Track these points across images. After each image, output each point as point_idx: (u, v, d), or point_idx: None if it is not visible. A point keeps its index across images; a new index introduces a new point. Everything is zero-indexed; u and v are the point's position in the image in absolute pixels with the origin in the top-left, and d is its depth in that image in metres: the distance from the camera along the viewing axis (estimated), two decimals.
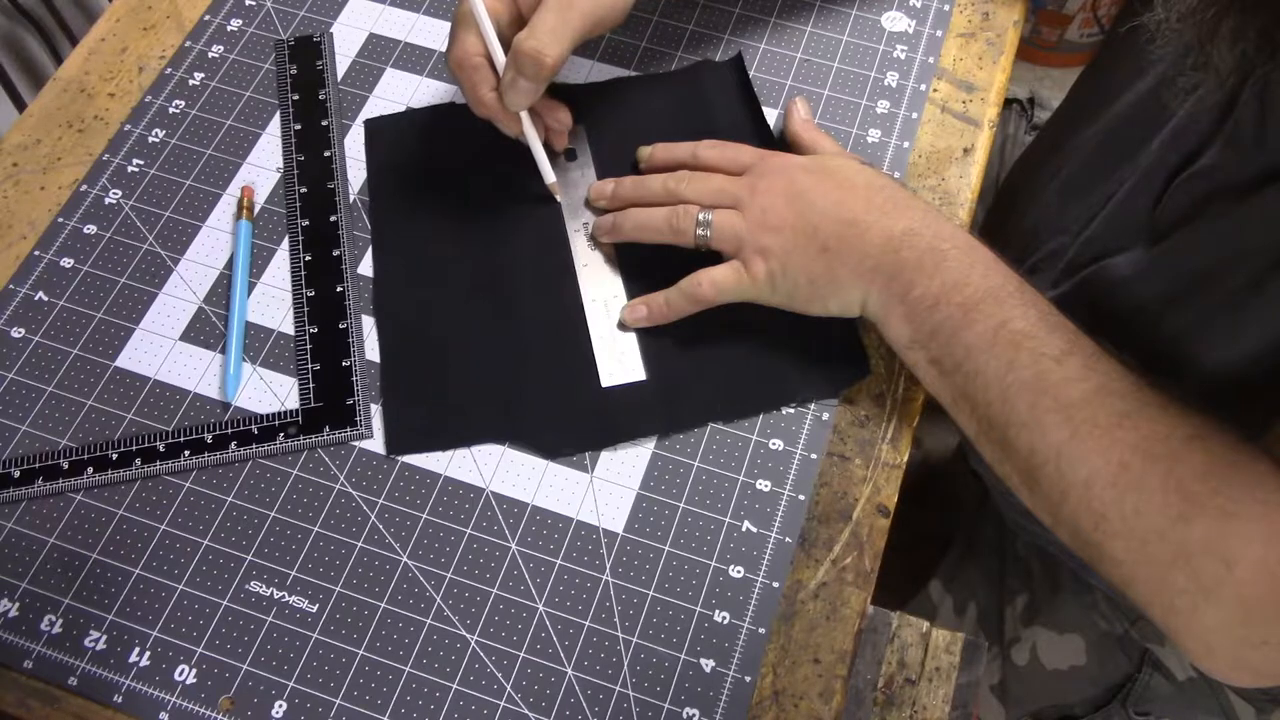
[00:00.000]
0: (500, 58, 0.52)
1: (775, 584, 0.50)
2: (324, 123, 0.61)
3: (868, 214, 0.49)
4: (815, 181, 0.51)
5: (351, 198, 0.60)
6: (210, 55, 0.64)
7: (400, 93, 0.63)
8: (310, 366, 0.54)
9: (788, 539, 0.51)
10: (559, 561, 0.50)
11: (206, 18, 0.66)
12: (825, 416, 0.53)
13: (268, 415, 0.53)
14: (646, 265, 0.55)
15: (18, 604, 0.49)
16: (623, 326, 0.54)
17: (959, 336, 0.46)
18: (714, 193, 0.52)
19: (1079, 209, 0.59)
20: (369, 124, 0.61)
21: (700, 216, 0.51)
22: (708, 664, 0.48)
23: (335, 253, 0.57)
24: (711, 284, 0.52)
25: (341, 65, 0.64)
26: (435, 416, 0.53)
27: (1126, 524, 0.42)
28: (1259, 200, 0.44)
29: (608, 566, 0.50)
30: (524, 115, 0.53)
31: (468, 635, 0.49)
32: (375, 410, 0.54)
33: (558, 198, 0.56)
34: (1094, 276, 0.54)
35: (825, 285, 0.50)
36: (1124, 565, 0.43)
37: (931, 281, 0.47)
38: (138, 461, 0.52)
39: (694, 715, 0.47)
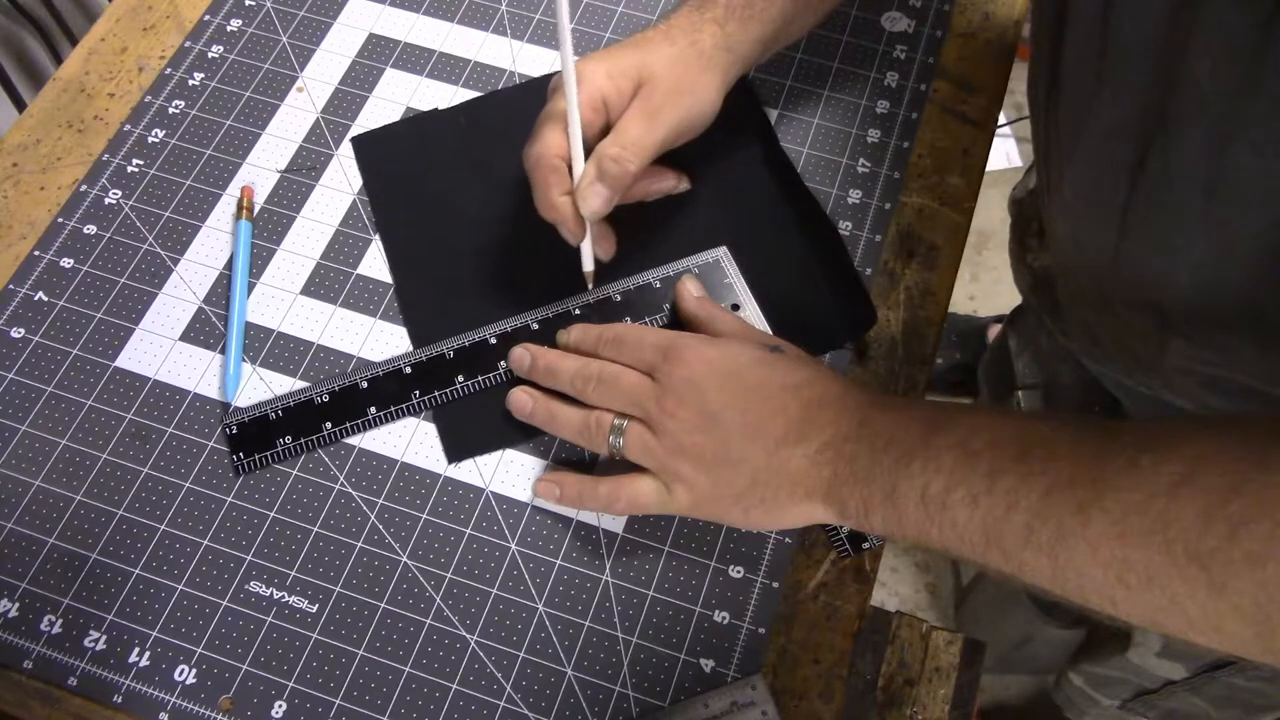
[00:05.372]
0: (582, 162, 0.50)
1: (775, 584, 0.50)
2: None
3: (787, 434, 0.46)
4: (728, 398, 0.47)
5: (351, 198, 0.60)
6: (210, 55, 0.64)
7: (400, 93, 0.63)
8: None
9: (787, 539, 0.51)
10: (559, 561, 0.50)
11: (206, 18, 0.66)
12: None
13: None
14: (643, 264, 0.56)
15: (18, 604, 0.49)
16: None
17: (901, 528, 0.44)
18: (621, 402, 0.49)
19: None
20: (356, 141, 0.61)
21: (614, 423, 0.49)
22: (708, 664, 0.48)
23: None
24: (630, 503, 0.49)
25: (341, 65, 0.64)
26: (487, 420, 0.53)
27: (1171, 620, 0.37)
28: None
29: (608, 566, 0.50)
30: (589, 224, 0.52)
31: (468, 635, 0.49)
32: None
33: (589, 284, 0.55)
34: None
35: (761, 514, 0.48)
36: (1220, 646, 0.37)
37: (855, 490, 0.45)
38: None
39: None
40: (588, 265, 0.54)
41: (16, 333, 0.56)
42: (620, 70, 0.51)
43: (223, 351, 0.55)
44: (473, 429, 0.53)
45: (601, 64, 0.51)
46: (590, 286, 0.55)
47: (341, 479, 0.52)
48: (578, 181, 0.50)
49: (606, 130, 0.51)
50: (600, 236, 0.54)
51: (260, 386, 0.54)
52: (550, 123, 0.51)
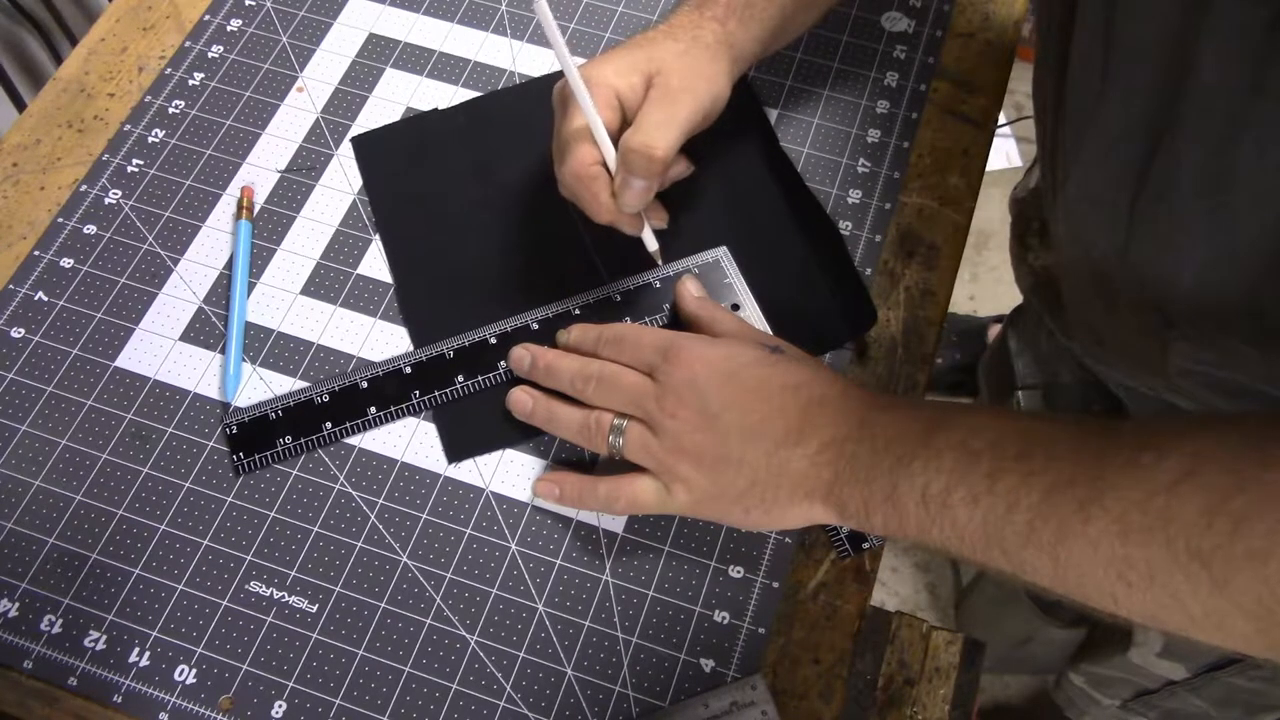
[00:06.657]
0: (614, 162, 0.50)
1: (775, 584, 0.50)
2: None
3: (787, 434, 0.46)
4: (729, 399, 0.47)
5: (351, 198, 0.60)
6: (210, 55, 0.64)
7: (400, 93, 0.63)
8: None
9: (787, 539, 0.51)
10: (559, 561, 0.50)
11: (206, 18, 0.66)
12: None
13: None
14: (643, 264, 0.56)
15: (18, 604, 0.49)
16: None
17: (902, 528, 0.44)
18: (621, 402, 0.49)
19: None
20: (356, 141, 0.61)
21: (614, 423, 0.49)
22: (708, 664, 0.48)
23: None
24: (630, 503, 0.49)
25: (341, 65, 0.64)
26: (487, 420, 0.53)
27: (1173, 617, 0.37)
28: None
29: (608, 566, 0.50)
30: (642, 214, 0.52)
31: (468, 635, 0.49)
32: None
33: (659, 261, 0.55)
34: None
35: (761, 514, 0.48)
36: (1222, 643, 0.37)
37: (855, 490, 0.45)
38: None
39: None
40: (652, 245, 0.54)
41: (16, 333, 0.56)
42: (629, 66, 0.51)
43: (223, 351, 0.55)
44: (473, 429, 0.53)
45: (608, 64, 0.51)
46: (660, 263, 0.55)
47: (341, 479, 0.52)
48: (615, 182, 0.50)
49: (625, 126, 0.51)
50: (650, 211, 0.54)
51: (260, 386, 0.54)
52: (573, 141, 0.50)
